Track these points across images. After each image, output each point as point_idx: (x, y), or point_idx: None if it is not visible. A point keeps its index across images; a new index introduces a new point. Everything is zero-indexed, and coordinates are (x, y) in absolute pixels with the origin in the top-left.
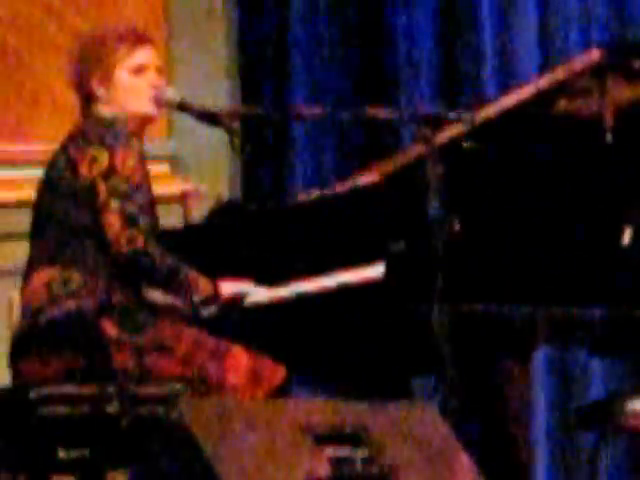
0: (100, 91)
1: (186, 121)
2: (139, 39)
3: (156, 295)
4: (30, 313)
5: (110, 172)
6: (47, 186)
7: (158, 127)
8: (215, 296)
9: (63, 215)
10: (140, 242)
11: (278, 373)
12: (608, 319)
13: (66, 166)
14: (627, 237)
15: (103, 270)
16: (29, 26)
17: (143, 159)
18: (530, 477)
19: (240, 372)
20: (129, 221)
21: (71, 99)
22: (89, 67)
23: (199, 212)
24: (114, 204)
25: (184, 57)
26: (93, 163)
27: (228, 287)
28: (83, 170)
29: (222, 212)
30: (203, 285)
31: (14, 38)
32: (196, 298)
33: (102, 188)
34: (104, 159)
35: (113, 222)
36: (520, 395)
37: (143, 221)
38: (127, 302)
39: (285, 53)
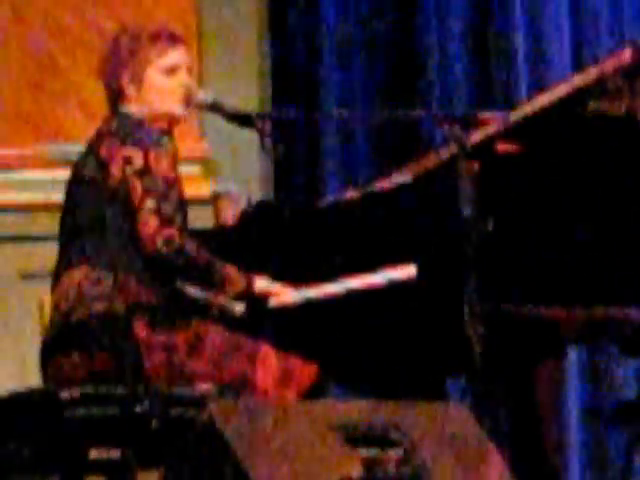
0: (130, 89)
1: (218, 122)
2: (172, 39)
3: (194, 291)
4: (61, 314)
5: (145, 171)
6: (76, 186)
7: (190, 129)
8: (249, 290)
9: (93, 216)
10: (177, 240)
11: (309, 372)
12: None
13: (96, 166)
14: None
15: (134, 270)
16: (59, 27)
17: (175, 157)
18: (563, 476)
19: (271, 372)
20: (166, 220)
21: (100, 99)
22: (121, 64)
23: (231, 214)
24: (150, 203)
25: (215, 57)
26: (126, 163)
27: (262, 282)
28: (115, 170)
29: (254, 213)
30: (237, 278)
31: (44, 39)
32: (231, 291)
33: (137, 187)
34: (138, 159)
35: (150, 222)
36: (552, 394)
37: (178, 219)
38: (159, 302)
39: (316, 55)
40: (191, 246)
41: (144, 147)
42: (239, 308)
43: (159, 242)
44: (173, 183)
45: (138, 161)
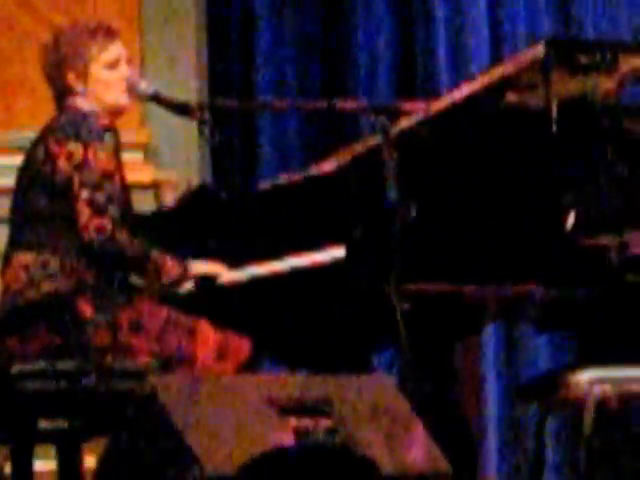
0: (78, 86)
1: (159, 111)
2: (110, 34)
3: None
4: (10, 295)
5: (83, 165)
6: (26, 175)
7: (132, 117)
8: (185, 277)
9: (42, 204)
10: (108, 230)
11: (244, 347)
12: (552, 298)
13: (45, 159)
14: (571, 221)
15: (78, 255)
16: (5, 19)
17: (117, 151)
18: (481, 448)
19: (209, 347)
20: (98, 210)
21: (48, 90)
22: (66, 63)
23: (171, 198)
24: (84, 194)
25: (155, 48)
26: (70, 157)
27: (198, 267)
28: (61, 164)
29: (192, 197)
30: (173, 267)
31: None
32: (166, 280)
33: (75, 180)
34: (79, 153)
35: (83, 211)
36: (471, 369)
37: (112, 210)
38: (101, 284)
39: (252, 45)
40: (123, 237)
41: (85, 142)
42: (187, 285)
43: (91, 231)
44: (110, 176)
45: (78, 155)
